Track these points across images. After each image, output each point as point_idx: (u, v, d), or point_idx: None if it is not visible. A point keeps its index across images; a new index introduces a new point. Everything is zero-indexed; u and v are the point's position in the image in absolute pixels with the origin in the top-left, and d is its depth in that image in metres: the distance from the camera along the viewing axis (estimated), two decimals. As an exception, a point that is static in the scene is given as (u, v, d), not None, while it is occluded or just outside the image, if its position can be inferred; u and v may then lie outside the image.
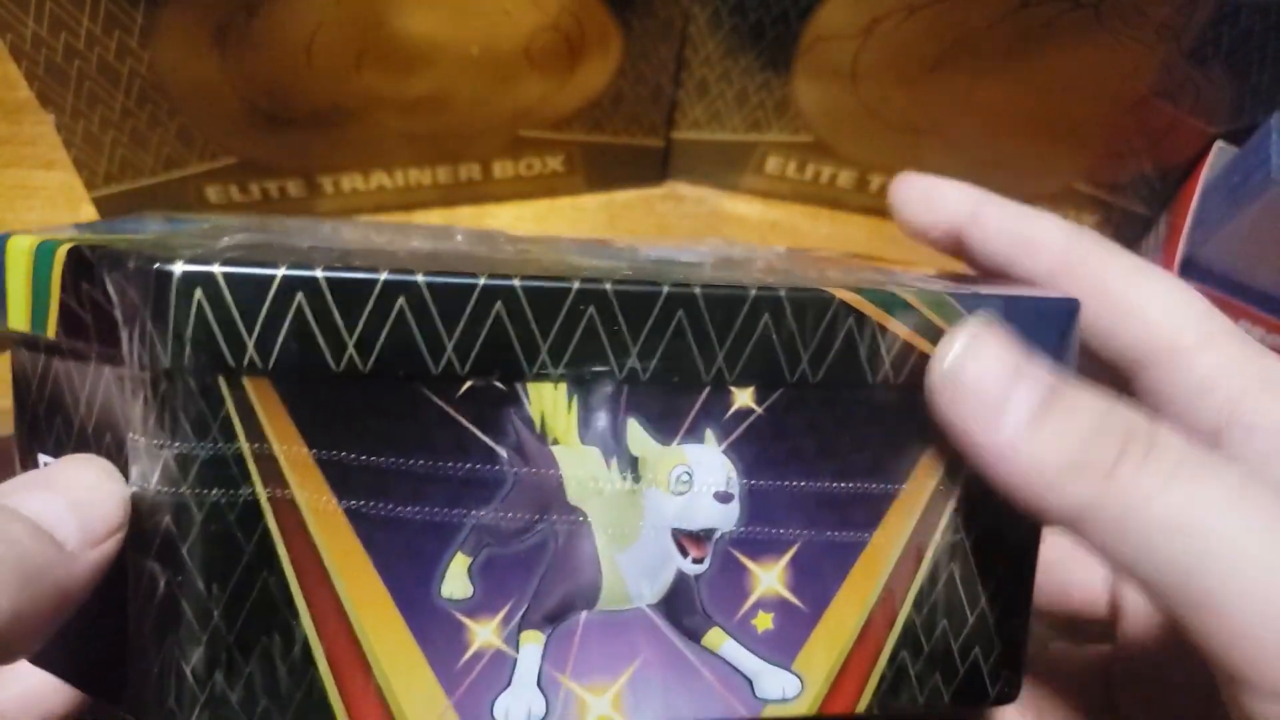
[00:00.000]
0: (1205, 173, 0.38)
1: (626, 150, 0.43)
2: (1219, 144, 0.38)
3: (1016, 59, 0.37)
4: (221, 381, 0.17)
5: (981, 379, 0.18)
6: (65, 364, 0.19)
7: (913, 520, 0.21)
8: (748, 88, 0.41)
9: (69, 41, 0.32)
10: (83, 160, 0.36)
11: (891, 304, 0.20)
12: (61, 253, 0.18)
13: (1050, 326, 0.21)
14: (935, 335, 0.20)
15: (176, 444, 0.17)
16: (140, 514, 0.18)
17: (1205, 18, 0.35)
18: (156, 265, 0.17)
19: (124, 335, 0.17)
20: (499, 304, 0.18)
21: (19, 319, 0.20)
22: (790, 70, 0.40)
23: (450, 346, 0.18)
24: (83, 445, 0.19)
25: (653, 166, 0.44)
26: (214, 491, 0.17)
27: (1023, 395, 0.18)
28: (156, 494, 0.18)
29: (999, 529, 0.21)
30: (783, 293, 0.19)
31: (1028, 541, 0.22)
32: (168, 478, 0.18)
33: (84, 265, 0.18)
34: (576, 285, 0.18)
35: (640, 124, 0.42)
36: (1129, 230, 0.43)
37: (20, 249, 0.19)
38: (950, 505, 0.21)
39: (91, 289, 0.18)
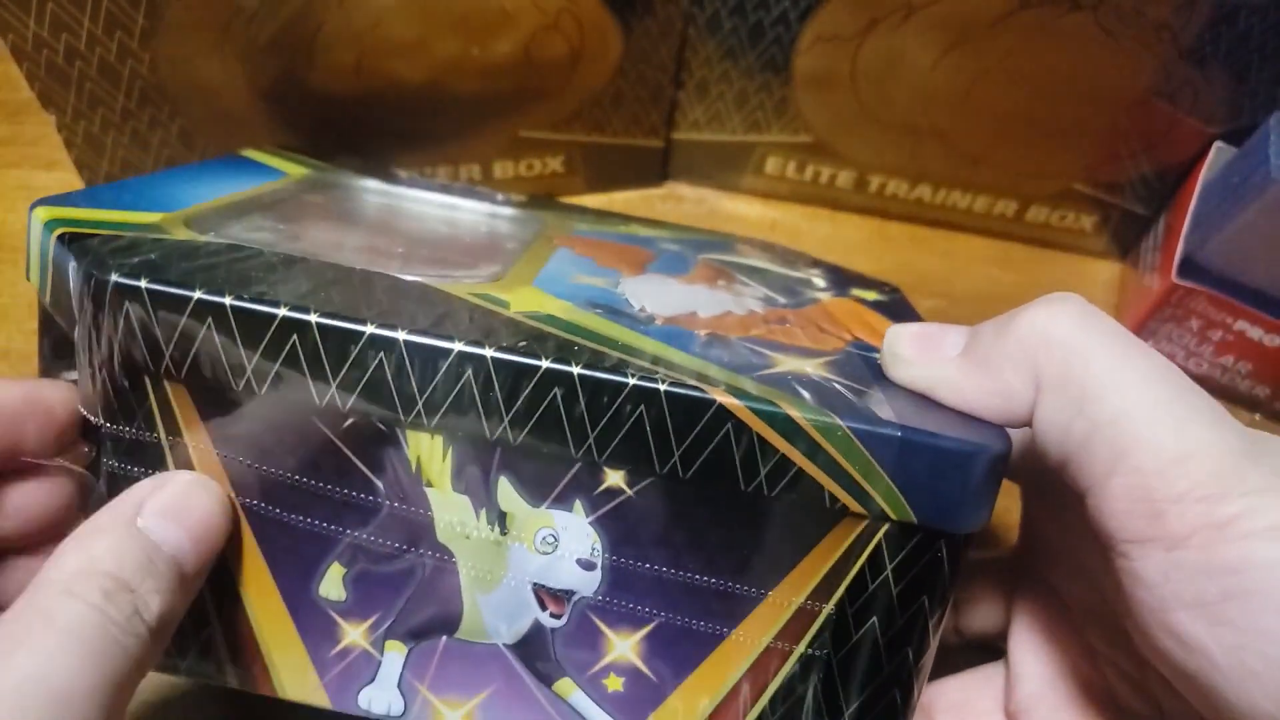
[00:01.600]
0: (1204, 173, 0.38)
1: (626, 151, 0.43)
2: (1218, 144, 0.38)
3: (1016, 60, 0.37)
4: (146, 380, 0.20)
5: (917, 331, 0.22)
6: (55, 329, 0.22)
7: (775, 627, 0.20)
8: (747, 88, 0.41)
9: (70, 43, 0.32)
10: (84, 161, 0.36)
11: (775, 421, 0.19)
12: (54, 236, 0.21)
13: (949, 474, 0.19)
14: (823, 461, 0.19)
15: (107, 424, 0.20)
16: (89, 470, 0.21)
17: (1204, 19, 0.35)
18: (95, 273, 0.19)
19: (77, 323, 0.20)
20: (381, 354, 0.19)
21: (32, 278, 0.23)
22: (790, 71, 0.40)
23: (335, 385, 0.19)
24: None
25: (653, 167, 0.44)
26: (136, 469, 0.20)
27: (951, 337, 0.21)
28: (100, 460, 0.20)
29: (873, 655, 0.20)
30: (662, 387, 0.19)
31: (903, 675, 0.21)
32: (104, 449, 0.20)
33: (62, 252, 0.20)
34: (458, 348, 0.19)
35: (640, 125, 0.42)
36: (1128, 230, 0.43)
37: (38, 218, 0.22)
38: (817, 623, 0.20)
39: (63, 274, 0.20)
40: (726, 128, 0.43)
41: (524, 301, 0.22)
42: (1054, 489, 0.21)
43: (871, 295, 0.30)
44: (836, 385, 0.21)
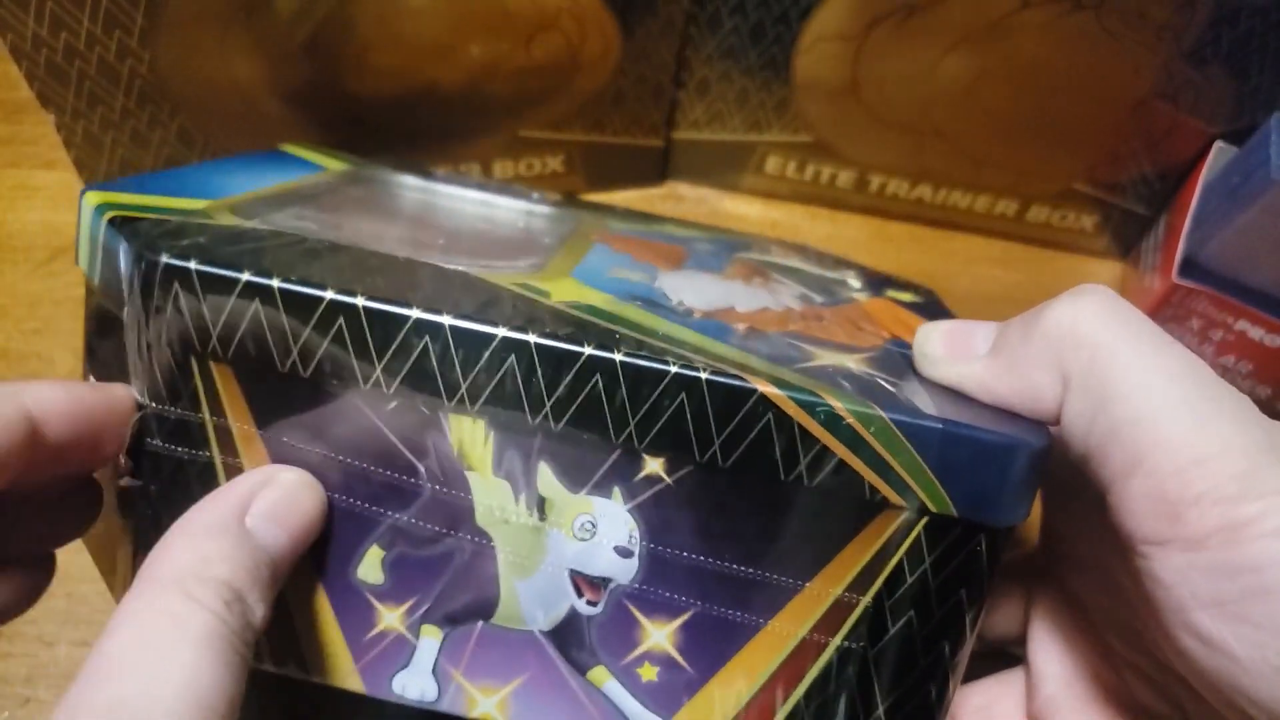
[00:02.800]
0: (1205, 173, 0.38)
1: (627, 150, 0.43)
2: (1218, 144, 0.38)
3: (1017, 60, 0.37)
4: (193, 360, 0.20)
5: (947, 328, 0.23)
6: (103, 310, 0.22)
7: (812, 619, 0.20)
8: (748, 88, 0.41)
9: (69, 41, 0.32)
10: (83, 160, 0.36)
11: (816, 411, 0.19)
12: (104, 219, 0.21)
13: (990, 467, 0.19)
14: (864, 453, 0.19)
15: (153, 404, 0.20)
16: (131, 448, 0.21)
17: (1205, 19, 0.35)
18: (145, 254, 0.19)
19: (126, 303, 0.20)
20: (426, 339, 0.19)
21: (81, 262, 0.23)
22: (790, 71, 0.40)
23: (379, 368, 0.19)
24: (120, 375, 0.21)
25: (653, 166, 0.44)
26: (180, 449, 0.20)
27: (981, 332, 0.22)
28: (143, 440, 0.21)
29: (909, 649, 0.20)
30: (704, 375, 0.19)
31: (939, 670, 0.21)
32: (148, 430, 0.20)
33: (113, 235, 0.21)
34: (502, 333, 0.19)
35: (640, 124, 0.42)
36: (1129, 230, 0.43)
37: (89, 202, 0.22)
38: (854, 615, 0.20)
39: (113, 257, 0.20)
40: (727, 127, 0.43)
41: (564, 292, 0.22)
42: (1074, 488, 0.21)
43: (907, 297, 0.30)
44: (877, 379, 0.21)
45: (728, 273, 0.28)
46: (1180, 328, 0.38)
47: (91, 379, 0.23)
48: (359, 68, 0.36)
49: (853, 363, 0.22)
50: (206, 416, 0.20)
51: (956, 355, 0.21)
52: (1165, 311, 0.38)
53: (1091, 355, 0.18)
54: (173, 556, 0.17)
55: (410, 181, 0.33)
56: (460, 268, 0.22)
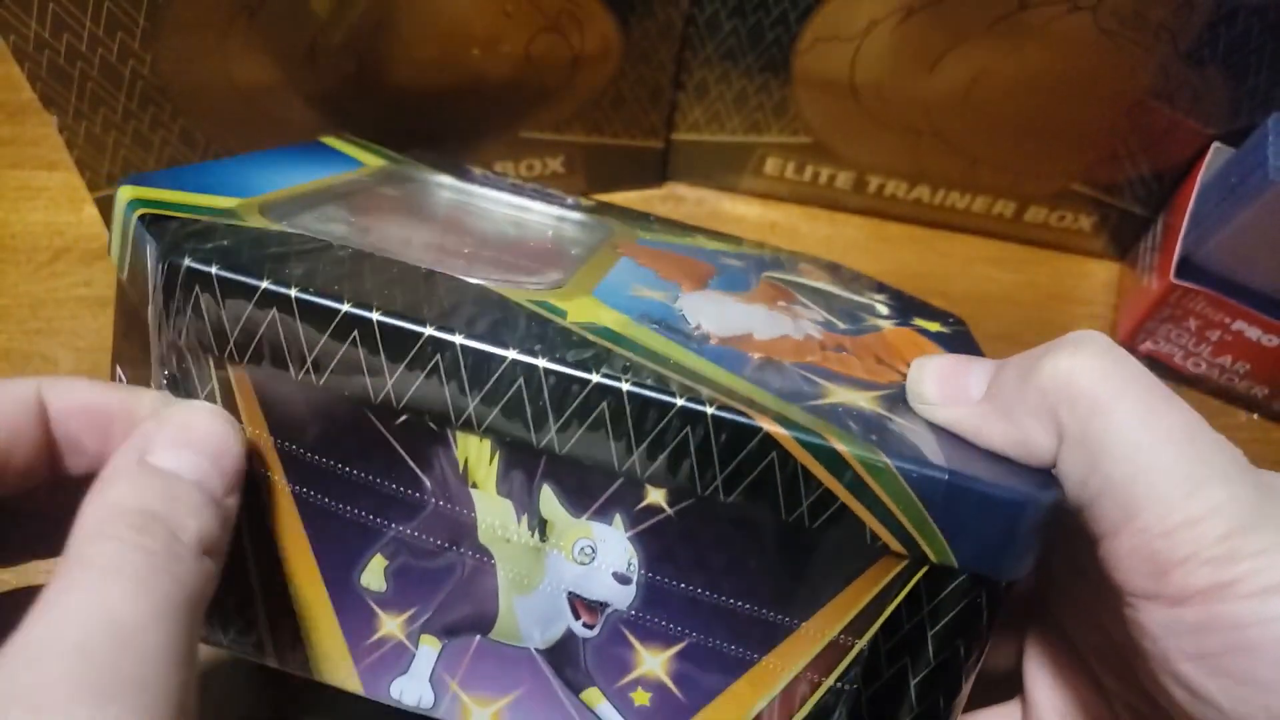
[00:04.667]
0: (1202, 174, 0.38)
1: (626, 151, 0.43)
2: (1216, 145, 0.38)
3: (1014, 61, 0.37)
4: (210, 363, 0.20)
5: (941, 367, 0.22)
6: (131, 304, 0.22)
7: (806, 657, 0.20)
8: (747, 89, 0.41)
9: (71, 43, 0.32)
10: (85, 161, 0.36)
11: (821, 453, 0.19)
12: (135, 215, 0.21)
13: (996, 521, 0.19)
14: (867, 498, 0.19)
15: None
16: None
17: (1202, 20, 0.35)
18: (170, 255, 0.20)
19: (149, 303, 0.21)
20: (437, 356, 0.19)
21: (113, 255, 0.23)
22: (789, 72, 0.40)
23: (390, 381, 0.19)
24: (145, 370, 0.22)
25: (652, 167, 0.44)
26: None
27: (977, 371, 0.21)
28: None
29: (903, 695, 0.20)
30: (709, 410, 0.19)
31: (933, 717, 0.20)
32: None
33: (141, 232, 0.21)
34: (512, 355, 0.19)
35: (640, 125, 0.42)
36: (1126, 231, 0.43)
37: (123, 196, 0.22)
38: (849, 657, 0.20)
39: (141, 253, 0.21)
40: (726, 128, 0.43)
41: (581, 312, 0.22)
42: (1067, 530, 0.21)
43: (934, 326, 0.30)
44: (888, 421, 0.20)
45: (752, 294, 0.28)
46: (1178, 328, 0.38)
47: (119, 371, 0.24)
48: (358, 72, 0.36)
49: (866, 401, 0.21)
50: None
51: (949, 397, 0.21)
52: (1163, 311, 0.38)
53: (1088, 411, 0.18)
54: (84, 516, 0.17)
55: (446, 181, 0.33)
56: (480, 281, 0.22)
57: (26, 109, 0.44)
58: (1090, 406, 0.18)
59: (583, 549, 0.20)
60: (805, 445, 0.19)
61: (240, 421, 0.20)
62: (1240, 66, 0.36)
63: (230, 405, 0.20)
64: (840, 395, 0.21)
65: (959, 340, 0.29)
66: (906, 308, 0.31)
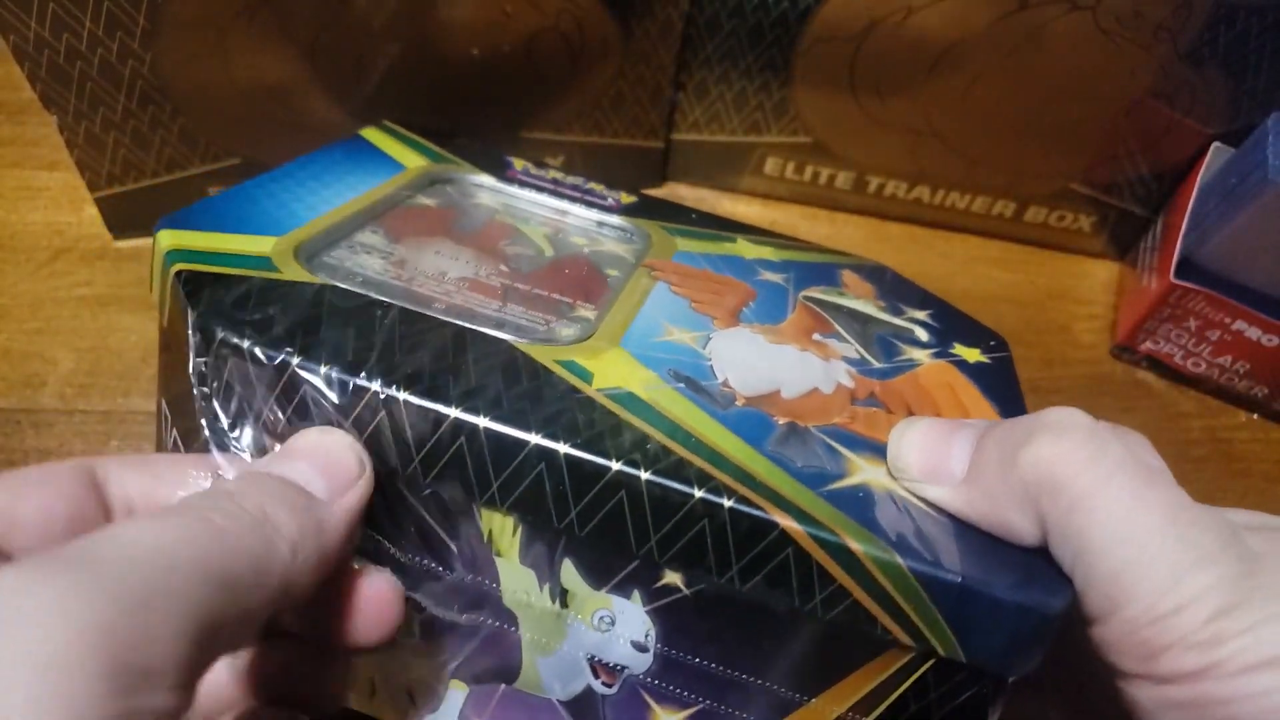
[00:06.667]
0: (1202, 174, 0.38)
1: (626, 151, 0.43)
2: (1216, 145, 0.39)
3: (1014, 61, 0.38)
4: (243, 425, 0.20)
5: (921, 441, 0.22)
6: (172, 346, 0.23)
7: None
8: (747, 90, 0.41)
9: (71, 43, 0.32)
10: (85, 161, 0.36)
11: (835, 551, 0.19)
12: (172, 271, 0.22)
13: (1005, 625, 0.19)
14: (879, 595, 0.19)
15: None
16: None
17: (1202, 20, 0.35)
18: (205, 324, 0.20)
19: (188, 361, 0.21)
20: (462, 439, 0.20)
21: (154, 296, 0.23)
22: (789, 72, 0.40)
23: (418, 459, 0.20)
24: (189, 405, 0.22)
25: (652, 168, 0.44)
26: None
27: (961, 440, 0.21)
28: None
29: None
30: (727, 504, 0.19)
31: None
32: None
33: (178, 291, 0.22)
34: (535, 440, 0.19)
35: (640, 125, 0.42)
36: (1126, 230, 0.43)
37: (161, 245, 0.23)
38: None
39: (180, 310, 0.21)
40: (726, 128, 0.43)
41: (608, 373, 0.22)
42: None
43: (974, 355, 0.29)
44: (909, 506, 0.20)
45: (786, 328, 0.27)
46: (1177, 327, 0.38)
47: (164, 406, 0.24)
48: (358, 73, 0.36)
49: (888, 476, 0.21)
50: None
51: (931, 474, 0.21)
52: (1162, 311, 0.38)
53: (1069, 505, 0.18)
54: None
55: (486, 183, 0.33)
56: (510, 338, 0.22)
57: (27, 109, 0.44)
58: (1071, 501, 0.18)
59: (602, 618, 0.21)
60: (820, 543, 0.19)
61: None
62: (1240, 66, 0.36)
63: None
64: (863, 473, 0.21)
65: (997, 372, 0.28)
66: (947, 330, 0.31)
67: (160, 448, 0.24)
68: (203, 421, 0.21)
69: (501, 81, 0.38)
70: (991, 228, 0.45)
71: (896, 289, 0.33)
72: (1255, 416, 0.39)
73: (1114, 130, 0.40)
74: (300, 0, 0.33)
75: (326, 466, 0.19)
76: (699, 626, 0.20)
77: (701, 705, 0.21)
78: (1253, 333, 0.37)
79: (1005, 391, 0.27)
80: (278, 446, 0.20)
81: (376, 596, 0.20)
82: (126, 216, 0.38)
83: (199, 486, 0.20)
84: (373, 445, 0.20)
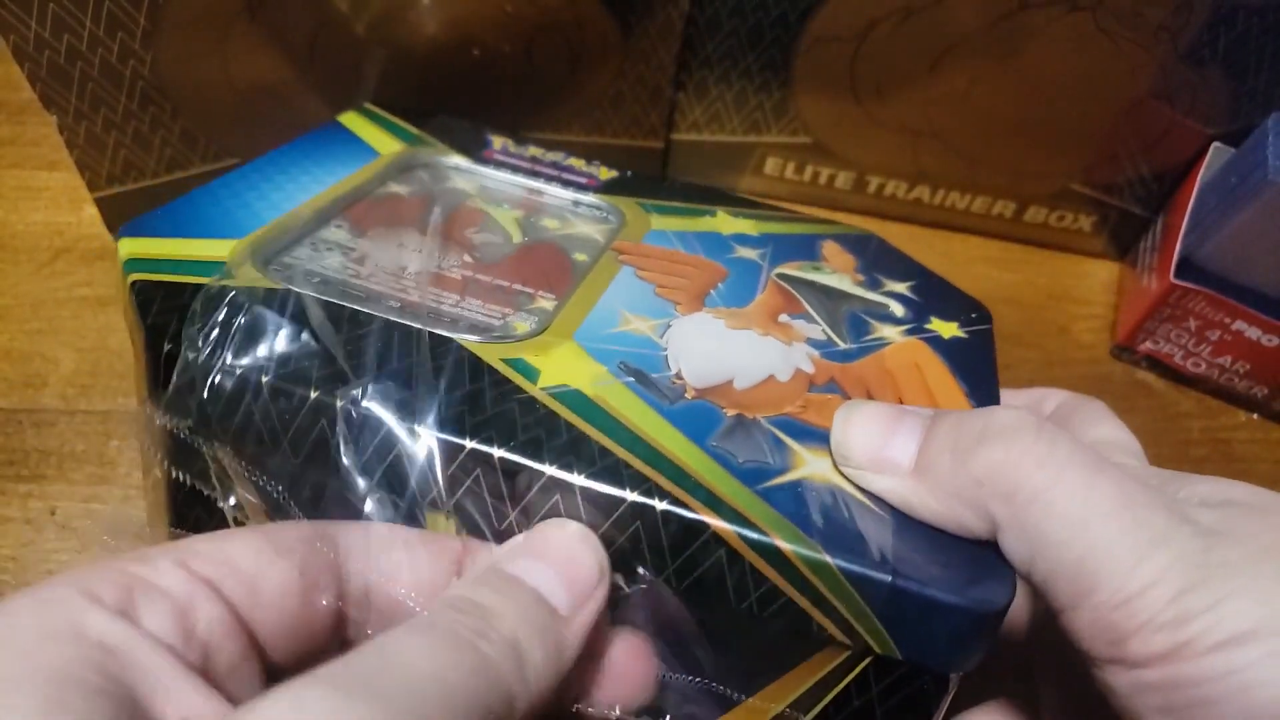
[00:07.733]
0: (1202, 174, 0.38)
1: (626, 151, 0.43)
2: (1216, 145, 0.39)
3: (1014, 61, 0.38)
4: (199, 439, 0.21)
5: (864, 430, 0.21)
6: (138, 357, 0.23)
7: None
8: (747, 90, 0.41)
9: (71, 43, 0.32)
10: (86, 161, 0.36)
11: (766, 552, 0.19)
12: (129, 281, 0.22)
13: (939, 624, 0.18)
14: (811, 595, 0.19)
15: (175, 471, 0.21)
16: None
17: (1202, 20, 0.35)
18: (155, 338, 0.21)
19: (146, 355, 0.21)
20: (398, 448, 0.20)
21: (122, 304, 0.23)
22: (789, 72, 0.40)
23: (360, 463, 0.20)
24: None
25: (653, 167, 0.44)
26: (202, 515, 0.22)
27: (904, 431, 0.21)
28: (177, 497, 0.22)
29: None
30: (659, 506, 0.19)
31: None
32: (179, 491, 0.22)
33: (132, 304, 0.22)
34: (470, 445, 0.19)
35: (640, 125, 0.42)
36: (1126, 231, 0.44)
37: (122, 253, 0.23)
38: None
39: (136, 325, 0.22)
40: (726, 129, 0.43)
41: (554, 370, 0.22)
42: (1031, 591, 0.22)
43: (950, 330, 0.28)
44: (849, 500, 0.20)
45: (751, 310, 0.27)
46: (1177, 327, 0.38)
47: (149, 409, 0.24)
48: (358, 73, 0.36)
49: (832, 468, 0.21)
50: (218, 490, 0.21)
51: (876, 463, 0.21)
52: (1162, 311, 0.38)
53: (1025, 501, 0.18)
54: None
55: (461, 165, 0.33)
56: (463, 336, 0.22)
57: (27, 109, 0.44)
58: (1027, 496, 0.18)
59: None
60: (750, 543, 0.19)
61: (232, 494, 0.21)
62: (1240, 67, 0.36)
63: (224, 479, 0.21)
64: (807, 467, 0.21)
65: (973, 347, 0.28)
66: (926, 303, 0.30)
67: (142, 450, 0.24)
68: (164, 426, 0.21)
69: (501, 81, 0.38)
70: (991, 228, 0.45)
71: (880, 260, 0.32)
72: (1255, 416, 0.39)
73: (1114, 130, 0.40)
74: (300, 0, 0.33)
75: (569, 574, 0.19)
76: (639, 624, 0.20)
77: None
78: (1253, 333, 0.37)
79: (978, 369, 0.26)
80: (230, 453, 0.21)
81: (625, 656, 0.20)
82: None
83: (438, 574, 0.20)
84: (314, 449, 0.20)
